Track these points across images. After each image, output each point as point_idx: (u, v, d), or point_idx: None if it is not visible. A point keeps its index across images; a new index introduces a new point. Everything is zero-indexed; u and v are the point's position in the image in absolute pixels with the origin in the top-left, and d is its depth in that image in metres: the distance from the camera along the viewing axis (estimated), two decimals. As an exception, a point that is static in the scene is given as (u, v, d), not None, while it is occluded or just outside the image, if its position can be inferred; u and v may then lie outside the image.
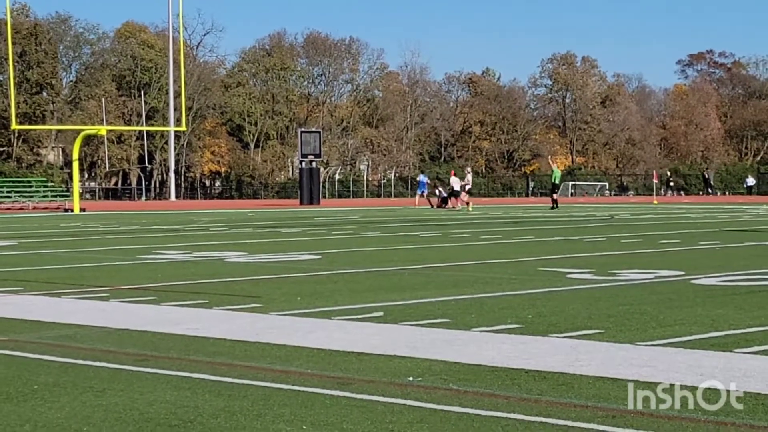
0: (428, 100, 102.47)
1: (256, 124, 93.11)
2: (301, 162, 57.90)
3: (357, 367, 6.47)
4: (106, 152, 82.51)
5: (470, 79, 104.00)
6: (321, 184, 66.83)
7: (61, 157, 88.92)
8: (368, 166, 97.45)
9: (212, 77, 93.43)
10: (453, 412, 5.24)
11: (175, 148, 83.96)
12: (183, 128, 59.85)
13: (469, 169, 52.82)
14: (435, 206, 47.15)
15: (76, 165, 49.69)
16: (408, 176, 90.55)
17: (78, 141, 50.13)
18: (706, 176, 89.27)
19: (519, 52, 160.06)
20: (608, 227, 26.08)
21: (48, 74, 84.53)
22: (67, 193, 57.91)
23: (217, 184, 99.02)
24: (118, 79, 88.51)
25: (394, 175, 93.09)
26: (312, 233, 23.80)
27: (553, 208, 42.50)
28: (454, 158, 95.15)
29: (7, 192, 56.47)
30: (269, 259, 15.50)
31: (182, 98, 52.97)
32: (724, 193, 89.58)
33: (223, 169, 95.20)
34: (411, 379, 6.08)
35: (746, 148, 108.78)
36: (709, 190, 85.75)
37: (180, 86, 54.74)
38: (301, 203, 55.64)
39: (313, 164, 57.37)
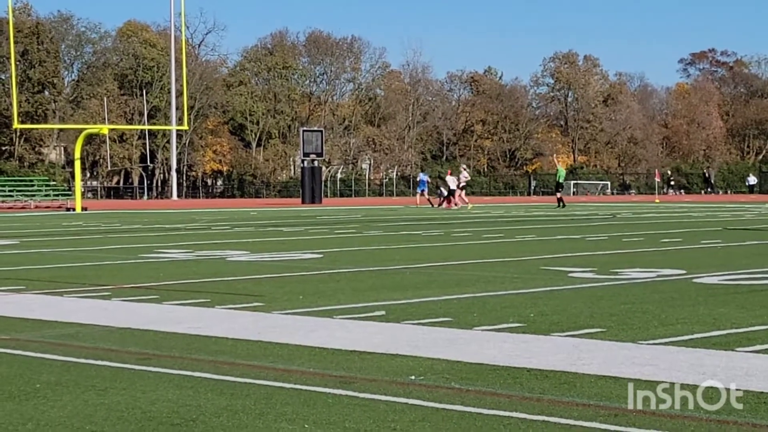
0: (430, 98, 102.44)
1: (258, 123, 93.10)
2: (303, 161, 57.90)
3: (359, 365, 6.47)
4: (108, 151, 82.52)
5: (472, 77, 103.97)
6: (323, 183, 66.81)
7: (63, 156, 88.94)
8: (370, 165, 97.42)
9: (214, 76, 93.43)
10: (455, 411, 5.24)
11: (177, 147, 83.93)
12: (185, 127, 59.77)
13: (464, 166, 52.75)
14: (436, 205, 47.13)
15: (78, 164, 49.70)
16: (410, 175, 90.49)
17: (80, 140, 50.14)
18: (707, 175, 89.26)
19: (521, 50, 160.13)
20: (610, 226, 26.08)
21: (50, 73, 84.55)
22: (69, 192, 57.89)
23: (219, 183, 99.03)
24: (120, 78, 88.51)
25: (396, 174, 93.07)
26: (314, 232, 23.80)
27: (561, 207, 42.36)
28: (456, 157, 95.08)
29: (9, 191, 56.41)
30: (271, 258, 15.51)
31: (184, 97, 52.95)
32: (726, 192, 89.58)
33: (224, 168, 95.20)
34: (413, 377, 6.08)
35: (748, 146, 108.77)
36: (710, 189, 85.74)
37: (182, 85, 54.74)
38: (303, 202, 55.65)
39: (315, 163, 57.39)
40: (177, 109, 74.82)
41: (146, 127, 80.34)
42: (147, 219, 34.04)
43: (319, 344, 7.22)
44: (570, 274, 12.16)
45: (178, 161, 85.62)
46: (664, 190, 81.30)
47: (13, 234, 24.54)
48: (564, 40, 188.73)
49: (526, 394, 5.60)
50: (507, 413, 5.16)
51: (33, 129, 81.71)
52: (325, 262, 14.73)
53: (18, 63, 72.17)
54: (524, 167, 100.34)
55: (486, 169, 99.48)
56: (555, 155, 73.00)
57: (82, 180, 68.28)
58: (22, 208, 51.74)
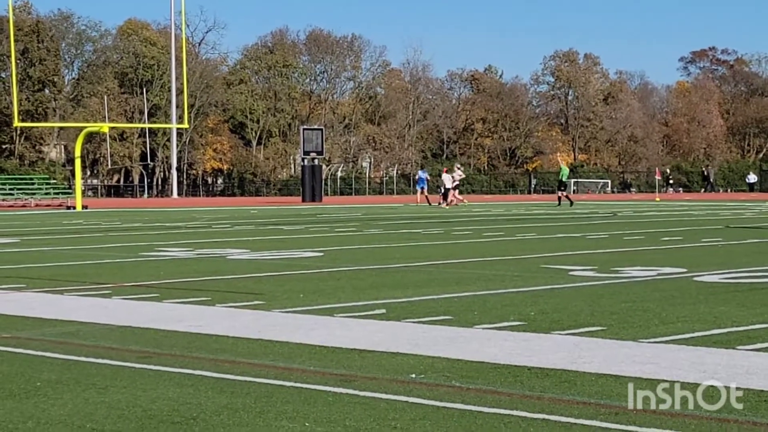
0: (430, 97, 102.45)
1: (258, 122, 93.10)
2: (303, 159, 57.91)
3: (359, 364, 6.47)
4: (109, 149, 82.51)
5: (472, 76, 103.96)
6: (323, 182, 66.82)
7: (63, 154, 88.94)
8: (370, 163, 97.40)
9: (214, 74, 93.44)
10: (455, 409, 5.24)
11: (177, 146, 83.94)
12: (185, 125, 59.85)
13: (458, 164, 52.73)
14: (435, 203, 47.08)
15: (78, 162, 49.72)
16: (410, 173, 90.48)
17: (80, 138, 50.15)
18: (706, 173, 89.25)
19: (521, 49, 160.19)
20: (611, 224, 26.08)
21: (50, 71, 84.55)
22: (70, 191, 57.91)
23: (219, 181, 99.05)
24: (120, 77, 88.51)
25: (396, 173, 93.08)
26: (314, 230, 23.80)
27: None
28: (456, 155, 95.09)
29: (10, 189, 56.42)
30: (272, 257, 15.51)
31: (184, 95, 52.99)
32: (726, 190, 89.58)
33: (225, 167, 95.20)
34: (413, 376, 6.08)
35: (748, 145, 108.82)
36: (709, 187, 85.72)
37: (182, 83, 54.74)
38: (304, 201, 55.65)
39: (316, 162, 57.39)
40: (177, 107, 74.83)
41: (146, 125, 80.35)
42: (147, 217, 34.05)
43: (320, 342, 7.22)
44: (570, 273, 12.16)
45: (179, 159, 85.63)
46: (665, 188, 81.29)
47: (14, 232, 24.55)
48: (564, 38, 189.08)
49: (527, 392, 5.60)
50: (507, 411, 5.15)
51: (33, 127, 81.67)
52: (326, 260, 14.73)
53: (18, 61, 72.16)
54: (524, 165, 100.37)
55: (486, 168, 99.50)
56: (558, 154, 72.94)
57: (83, 178, 68.24)
58: (23, 206, 51.74)
